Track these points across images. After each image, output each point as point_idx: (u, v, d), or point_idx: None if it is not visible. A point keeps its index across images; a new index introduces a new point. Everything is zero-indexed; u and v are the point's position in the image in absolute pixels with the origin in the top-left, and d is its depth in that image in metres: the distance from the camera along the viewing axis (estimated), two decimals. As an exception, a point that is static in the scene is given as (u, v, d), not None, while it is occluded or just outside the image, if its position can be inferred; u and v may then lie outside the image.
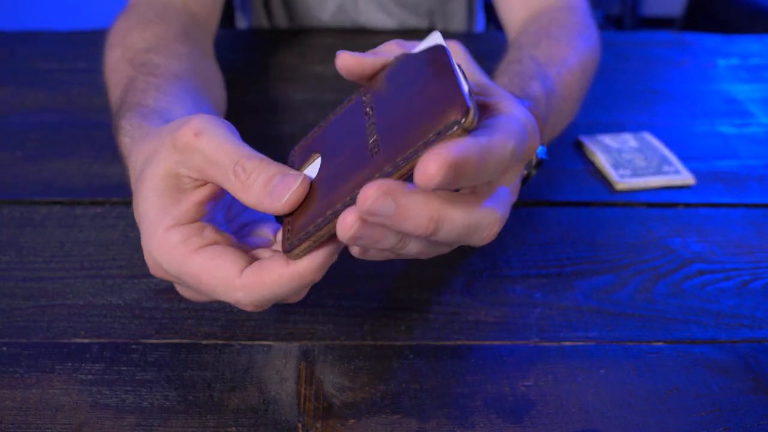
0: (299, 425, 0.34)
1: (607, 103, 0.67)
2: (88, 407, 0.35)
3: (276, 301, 0.32)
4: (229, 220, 0.36)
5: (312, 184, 0.31)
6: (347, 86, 0.70)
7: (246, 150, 0.31)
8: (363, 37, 0.82)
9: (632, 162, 0.56)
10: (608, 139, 0.59)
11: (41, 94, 0.67)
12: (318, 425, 0.34)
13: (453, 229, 0.28)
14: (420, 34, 0.84)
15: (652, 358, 0.39)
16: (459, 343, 0.39)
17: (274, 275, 0.30)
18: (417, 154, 0.27)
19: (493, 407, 0.35)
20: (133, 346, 0.39)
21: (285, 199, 0.30)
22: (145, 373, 0.37)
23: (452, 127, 0.26)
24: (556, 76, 0.48)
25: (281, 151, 0.58)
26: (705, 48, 0.81)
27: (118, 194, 0.52)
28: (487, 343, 0.40)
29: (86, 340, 0.39)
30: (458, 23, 0.88)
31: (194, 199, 0.32)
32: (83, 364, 0.37)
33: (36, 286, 0.43)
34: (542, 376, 0.37)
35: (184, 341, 0.39)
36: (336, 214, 0.29)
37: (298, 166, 0.34)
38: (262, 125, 0.62)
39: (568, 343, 0.40)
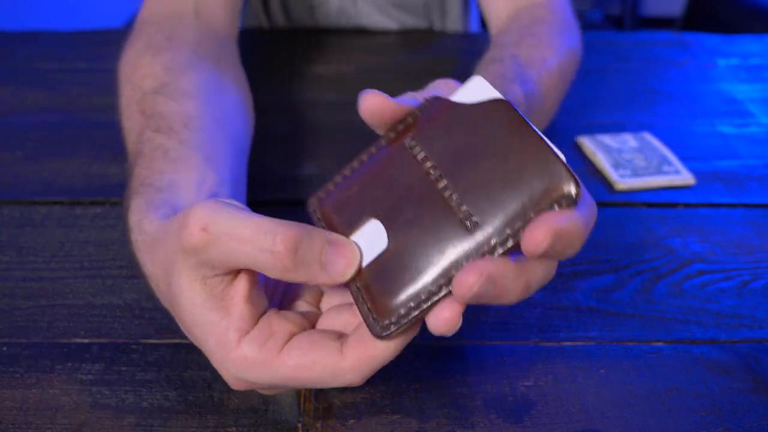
0: (299, 425, 0.34)
1: (607, 103, 0.67)
2: (88, 407, 0.35)
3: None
4: (269, 294, 0.33)
5: (385, 253, 0.29)
6: (347, 86, 0.70)
7: (271, 222, 0.27)
8: (363, 38, 0.82)
9: (632, 162, 0.56)
10: (608, 139, 0.59)
11: (41, 94, 0.67)
12: (318, 425, 0.34)
13: (539, 284, 0.28)
14: (419, 34, 0.84)
15: (652, 358, 0.39)
16: (459, 343, 0.39)
17: (380, 348, 0.28)
18: (524, 227, 0.26)
19: (493, 407, 0.35)
20: (133, 346, 0.39)
21: (346, 274, 0.29)
22: (145, 373, 0.37)
23: (563, 202, 0.26)
24: (536, 77, 0.48)
25: (281, 152, 0.58)
26: (705, 48, 0.81)
27: (118, 194, 0.52)
28: (487, 343, 0.40)
29: (86, 340, 0.39)
30: (454, 23, 0.88)
31: (239, 298, 0.29)
32: (83, 364, 0.37)
33: (36, 286, 0.43)
34: (542, 376, 0.37)
35: (184, 341, 0.39)
36: (436, 296, 0.27)
37: (341, 227, 0.31)
38: (262, 125, 0.62)
39: (568, 343, 0.40)
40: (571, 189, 0.26)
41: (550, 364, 0.38)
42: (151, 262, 0.33)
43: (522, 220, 0.27)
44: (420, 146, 0.31)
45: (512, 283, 0.26)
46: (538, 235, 0.25)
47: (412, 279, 0.28)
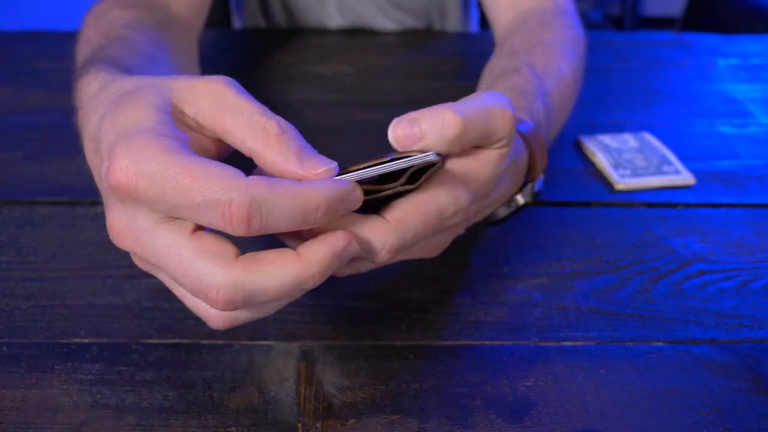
0: (299, 425, 0.34)
1: (607, 103, 0.67)
2: (88, 407, 0.35)
3: (254, 287, 0.27)
4: None
5: None
6: (347, 86, 0.70)
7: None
8: (363, 38, 0.82)
9: (632, 162, 0.56)
10: (608, 139, 0.59)
11: (41, 94, 0.67)
12: (318, 425, 0.34)
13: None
14: (419, 35, 0.84)
15: (652, 358, 0.39)
16: (459, 343, 0.39)
17: (285, 184, 0.26)
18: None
19: (493, 407, 0.35)
20: (133, 346, 0.39)
21: (319, 171, 0.27)
22: (145, 373, 0.37)
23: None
24: (553, 89, 0.49)
25: (281, 151, 0.58)
26: (705, 48, 0.81)
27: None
28: (487, 343, 0.40)
29: (86, 340, 0.39)
30: (454, 23, 0.88)
31: (198, 140, 0.28)
32: (83, 364, 0.37)
33: (36, 286, 0.43)
34: (542, 376, 0.37)
35: (184, 341, 0.39)
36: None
37: None
38: (262, 125, 0.62)
39: (568, 343, 0.40)
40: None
41: (550, 364, 0.38)
42: (119, 82, 0.31)
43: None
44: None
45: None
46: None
47: None
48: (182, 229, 0.27)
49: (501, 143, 0.34)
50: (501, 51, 0.56)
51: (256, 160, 0.28)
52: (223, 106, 0.28)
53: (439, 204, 0.31)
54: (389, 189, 0.30)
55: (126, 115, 0.27)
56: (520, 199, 0.44)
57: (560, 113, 0.51)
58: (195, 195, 0.25)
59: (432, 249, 0.37)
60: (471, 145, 0.32)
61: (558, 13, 0.59)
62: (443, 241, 0.37)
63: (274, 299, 0.27)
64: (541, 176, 0.44)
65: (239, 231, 0.25)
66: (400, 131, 0.30)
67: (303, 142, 0.28)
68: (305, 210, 0.26)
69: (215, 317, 0.30)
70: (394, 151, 0.36)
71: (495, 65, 0.53)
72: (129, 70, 0.36)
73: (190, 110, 0.28)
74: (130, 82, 0.30)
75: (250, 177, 0.26)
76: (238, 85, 0.29)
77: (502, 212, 0.44)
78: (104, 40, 0.43)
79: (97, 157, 0.29)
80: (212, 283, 0.26)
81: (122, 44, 0.41)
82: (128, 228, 0.27)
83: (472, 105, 0.31)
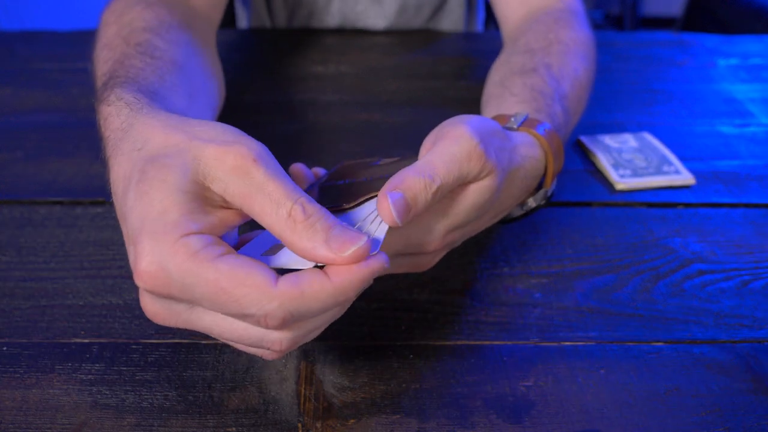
0: (299, 425, 0.34)
1: (607, 103, 0.67)
2: (88, 407, 0.35)
3: (305, 324, 0.29)
4: None
5: None
6: (347, 86, 0.70)
7: (304, 193, 0.28)
8: (363, 38, 0.82)
9: (632, 162, 0.56)
10: (608, 139, 0.59)
11: (41, 94, 0.67)
12: (318, 425, 0.34)
13: None
14: (419, 34, 0.84)
15: (652, 358, 0.39)
16: (459, 343, 0.39)
17: (316, 286, 0.27)
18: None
19: (493, 407, 0.35)
20: (133, 346, 0.39)
21: (348, 252, 0.27)
22: (145, 373, 0.37)
23: None
24: (569, 92, 0.49)
25: (280, 152, 0.58)
26: (705, 48, 0.81)
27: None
28: (487, 343, 0.39)
29: (86, 340, 0.39)
30: (456, 23, 0.88)
31: (223, 217, 0.29)
32: (83, 364, 0.37)
33: (36, 286, 0.43)
34: (542, 376, 0.37)
35: (184, 341, 0.39)
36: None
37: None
38: (262, 125, 0.62)
39: (568, 343, 0.40)
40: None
41: (550, 364, 0.38)
42: (143, 126, 0.31)
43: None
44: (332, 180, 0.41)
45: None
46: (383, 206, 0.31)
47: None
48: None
49: (478, 179, 0.35)
50: (514, 48, 0.55)
51: (286, 245, 0.28)
52: (251, 186, 0.28)
53: (410, 238, 0.36)
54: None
55: (150, 199, 0.27)
56: (532, 203, 0.44)
57: (574, 116, 0.51)
58: (230, 306, 0.26)
59: (421, 266, 0.39)
60: (448, 191, 0.34)
61: (570, 13, 0.59)
62: (430, 261, 0.39)
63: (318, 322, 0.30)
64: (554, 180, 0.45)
65: (274, 330, 0.28)
66: (396, 213, 0.31)
67: (330, 221, 0.28)
68: (336, 303, 0.28)
69: (275, 349, 0.30)
70: (385, 156, 0.41)
71: (511, 61, 0.52)
72: (153, 93, 0.36)
73: (217, 188, 0.28)
74: (154, 142, 0.29)
75: (282, 282, 0.27)
76: (267, 155, 0.29)
77: (515, 212, 0.45)
78: (125, 46, 0.42)
79: (124, 226, 0.29)
80: (272, 338, 0.29)
81: (143, 53, 0.41)
82: (167, 311, 0.29)
83: (440, 160, 0.33)
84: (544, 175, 0.43)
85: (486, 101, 0.50)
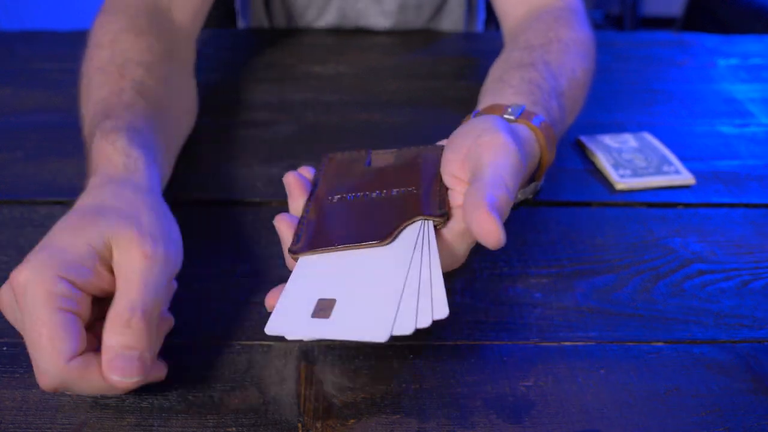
0: (299, 425, 0.34)
1: (607, 103, 0.67)
2: (88, 407, 0.35)
3: (71, 391, 0.33)
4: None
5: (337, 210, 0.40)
6: (347, 86, 0.70)
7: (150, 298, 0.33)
8: (363, 38, 0.82)
9: (632, 162, 0.56)
10: (608, 139, 0.59)
11: (41, 94, 0.67)
12: (318, 425, 0.34)
13: None
14: (419, 34, 0.84)
15: (652, 358, 0.39)
16: (459, 343, 0.39)
17: (93, 378, 0.31)
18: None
19: (493, 407, 0.35)
20: (133, 346, 0.39)
21: (112, 376, 0.31)
22: (145, 373, 0.37)
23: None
24: (566, 89, 0.49)
25: (279, 151, 0.58)
26: (705, 48, 0.81)
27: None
28: (487, 343, 0.39)
29: (86, 340, 0.39)
30: (456, 23, 0.88)
31: (100, 278, 0.33)
32: (83, 364, 0.37)
33: (36, 286, 0.43)
34: (542, 376, 0.37)
35: (184, 341, 0.39)
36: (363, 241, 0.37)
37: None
38: (262, 125, 0.62)
39: (568, 343, 0.40)
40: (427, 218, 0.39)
41: (550, 364, 0.38)
42: (119, 186, 0.38)
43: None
44: (330, 197, 0.42)
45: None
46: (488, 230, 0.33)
47: (347, 228, 0.39)
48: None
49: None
50: (514, 45, 0.55)
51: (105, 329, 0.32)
52: (135, 274, 0.33)
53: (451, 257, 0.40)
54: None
55: (69, 233, 0.34)
56: (521, 196, 0.44)
57: (570, 114, 0.51)
58: (31, 345, 0.31)
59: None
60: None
61: (571, 11, 0.59)
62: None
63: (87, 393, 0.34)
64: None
65: (41, 387, 0.32)
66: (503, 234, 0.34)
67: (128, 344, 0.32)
68: (100, 392, 0.32)
69: (43, 380, 0.33)
70: (375, 149, 0.45)
71: (510, 57, 0.52)
72: (141, 135, 0.43)
73: (116, 255, 0.33)
74: (113, 201, 0.36)
75: (73, 362, 0.31)
76: (161, 265, 0.34)
77: None
78: (119, 78, 0.48)
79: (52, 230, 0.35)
80: (43, 370, 0.32)
81: (137, 91, 0.47)
82: (9, 307, 0.33)
83: (507, 173, 0.37)
84: (536, 168, 0.43)
85: (483, 93, 0.50)
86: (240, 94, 0.68)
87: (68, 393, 0.35)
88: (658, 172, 0.55)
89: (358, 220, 0.39)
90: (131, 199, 0.37)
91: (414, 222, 0.38)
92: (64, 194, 0.52)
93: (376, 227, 0.38)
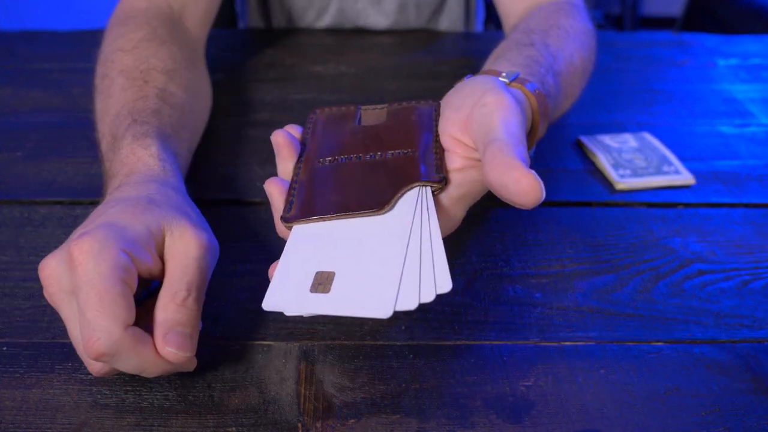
0: (299, 425, 0.34)
1: (607, 103, 0.67)
2: (88, 407, 0.35)
3: (120, 365, 0.33)
4: None
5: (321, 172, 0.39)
6: (347, 86, 0.70)
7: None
8: (363, 38, 0.82)
9: (632, 162, 0.56)
10: (608, 139, 0.59)
11: (41, 94, 0.67)
12: (318, 425, 0.34)
13: None
14: (419, 35, 0.84)
15: (652, 358, 0.39)
16: (459, 343, 0.39)
17: (147, 352, 0.33)
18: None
19: (493, 407, 0.35)
20: (133, 346, 0.39)
21: (166, 348, 0.33)
22: (145, 373, 0.37)
23: None
24: (564, 71, 0.48)
25: (281, 151, 0.58)
26: (705, 48, 0.81)
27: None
28: (487, 343, 0.39)
29: (86, 340, 0.39)
30: (455, 22, 0.88)
31: (153, 263, 0.35)
32: (83, 364, 0.37)
33: (36, 286, 0.43)
34: (542, 376, 0.37)
35: (184, 341, 0.39)
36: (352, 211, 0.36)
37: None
38: (262, 125, 0.62)
39: (568, 343, 0.40)
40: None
41: (550, 364, 0.38)
42: (164, 182, 0.41)
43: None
44: (321, 158, 0.40)
45: None
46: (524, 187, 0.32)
47: (338, 195, 0.37)
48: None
49: None
50: (514, 31, 0.55)
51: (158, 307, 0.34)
52: (185, 260, 0.35)
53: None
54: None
55: (128, 215, 0.35)
56: None
57: (566, 98, 0.51)
58: (88, 311, 0.31)
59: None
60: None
61: (572, 5, 0.59)
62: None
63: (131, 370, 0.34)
64: (534, 146, 0.45)
65: (89, 355, 0.32)
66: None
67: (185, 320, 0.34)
68: (143, 367, 0.33)
69: (91, 367, 0.35)
70: (365, 104, 0.45)
71: (508, 39, 0.52)
72: (167, 139, 0.46)
73: (168, 242, 0.36)
74: (160, 197, 0.38)
75: (129, 330, 0.32)
76: (211, 253, 0.37)
77: None
78: (144, 84, 0.49)
79: (93, 215, 0.37)
80: (99, 336, 0.32)
81: (162, 99, 0.49)
82: (57, 276, 0.34)
83: (519, 131, 0.36)
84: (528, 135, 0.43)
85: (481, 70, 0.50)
86: (240, 94, 0.68)
87: (109, 373, 0.35)
88: (658, 172, 0.55)
89: (352, 185, 0.37)
90: (174, 196, 0.39)
91: (412, 188, 0.36)
92: (64, 194, 0.52)
93: (371, 194, 0.36)
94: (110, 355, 0.32)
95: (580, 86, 0.54)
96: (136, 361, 0.33)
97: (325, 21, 0.85)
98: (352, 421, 0.35)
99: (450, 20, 0.88)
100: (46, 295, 0.34)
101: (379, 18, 0.84)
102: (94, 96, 0.51)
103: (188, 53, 0.57)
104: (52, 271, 0.33)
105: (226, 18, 0.94)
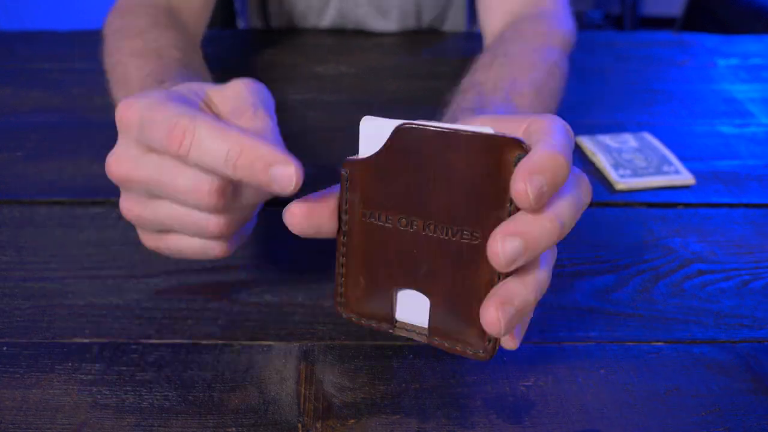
0: (299, 425, 0.34)
1: (607, 103, 0.67)
2: (88, 407, 0.35)
3: (239, 201, 0.32)
4: None
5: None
6: (347, 86, 0.70)
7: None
8: (363, 38, 0.82)
9: (632, 162, 0.56)
10: (608, 139, 0.59)
11: (41, 94, 0.67)
12: (318, 425, 0.34)
13: (569, 217, 0.29)
14: (419, 35, 0.84)
15: (652, 358, 0.39)
16: (459, 343, 0.39)
17: (232, 127, 0.29)
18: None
19: (493, 407, 0.35)
20: (133, 346, 0.39)
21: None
22: (145, 373, 0.37)
23: (517, 160, 0.27)
24: (501, 101, 0.45)
25: (281, 151, 0.58)
26: (705, 48, 0.81)
27: (118, 194, 0.51)
28: (487, 343, 0.39)
29: (86, 340, 0.39)
30: (458, 24, 0.88)
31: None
32: (83, 364, 0.37)
33: (36, 286, 0.43)
34: (542, 376, 0.37)
35: (184, 341, 0.39)
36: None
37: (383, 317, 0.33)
38: (262, 125, 0.62)
39: (568, 343, 0.40)
40: (513, 150, 0.27)
41: (550, 364, 0.38)
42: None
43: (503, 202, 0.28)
44: (376, 212, 0.31)
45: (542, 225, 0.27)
46: (520, 189, 0.26)
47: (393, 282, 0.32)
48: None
49: None
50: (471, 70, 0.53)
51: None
52: (236, 99, 0.35)
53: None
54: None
55: (165, 89, 0.33)
56: None
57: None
58: (206, 131, 0.29)
59: None
60: None
61: (540, 18, 0.58)
62: None
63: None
64: None
65: (174, 146, 0.29)
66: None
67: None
68: (228, 151, 0.28)
69: (214, 225, 0.32)
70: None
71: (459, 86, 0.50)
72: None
73: (215, 103, 0.35)
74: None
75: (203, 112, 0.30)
76: (257, 88, 0.36)
77: None
78: (158, 58, 0.47)
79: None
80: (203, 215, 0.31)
81: (183, 65, 0.47)
82: (132, 158, 0.31)
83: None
84: None
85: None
86: (240, 94, 0.68)
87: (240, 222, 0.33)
88: (658, 172, 0.55)
89: (423, 278, 0.31)
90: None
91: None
92: (64, 194, 0.52)
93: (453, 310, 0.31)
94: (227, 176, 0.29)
95: (541, 98, 0.49)
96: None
97: (325, 24, 0.84)
98: (352, 421, 0.35)
99: (453, 25, 0.88)
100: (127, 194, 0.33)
101: (380, 24, 0.83)
102: (110, 89, 0.49)
103: (191, 40, 0.57)
104: (123, 158, 0.31)
105: (225, 18, 0.94)
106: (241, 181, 0.29)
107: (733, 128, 0.63)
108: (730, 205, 0.52)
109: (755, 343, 0.40)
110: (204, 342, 0.39)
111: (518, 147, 0.27)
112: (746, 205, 0.52)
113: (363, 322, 0.33)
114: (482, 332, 0.30)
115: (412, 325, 0.33)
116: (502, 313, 0.27)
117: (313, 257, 0.46)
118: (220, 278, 0.44)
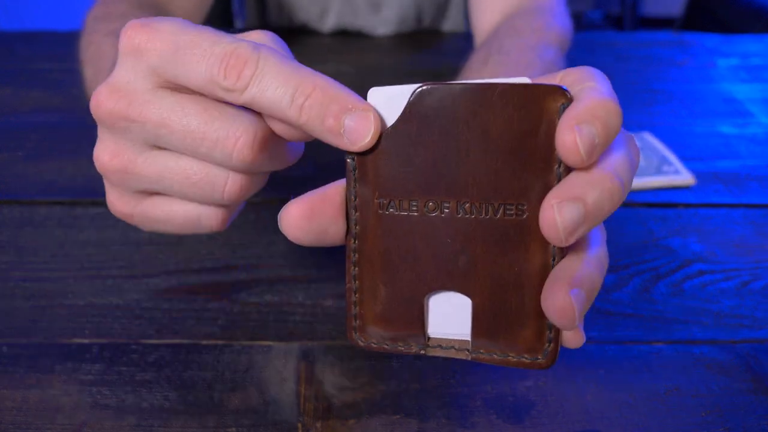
0: (299, 425, 0.34)
1: (607, 103, 0.67)
2: (88, 407, 0.35)
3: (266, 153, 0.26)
4: None
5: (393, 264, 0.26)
6: (347, 86, 0.69)
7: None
8: (363, 38, 0.82)
9: (632, 162, 0.56)
10: (608, 139, 0.59)
11: (41, 94, 0.67)
12: (318, 425, 0.34)
13: (625, 172, 0.24)
14: (419, 35, 0.84)
15: (652, 358, 0.39)
16: (459, 343, 0.39)
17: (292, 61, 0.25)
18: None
19: (493, 407, 0.35)
20: (133, 347, 0.39)
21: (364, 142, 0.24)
22: (145, 374, 0.37)
23: (562, 110, 0.23)
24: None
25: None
26: (705, 48, 0.81)
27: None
28: (487, 343, 0.39)
29: (86, 340, 0.39)
30: (458, 24, 0.88)
31: None
32: (83, 365, 0.37)
33: (36, 286, 0.43)
34: (542, 376, 0.37)
35: (184, 341, 0.39)
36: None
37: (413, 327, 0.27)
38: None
39: (568, 343, 0.40)
40: (556, 98, 0.23)
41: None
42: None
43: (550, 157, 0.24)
44: (396, 200, 0.26)
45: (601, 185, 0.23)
46: (568, 141, 0.22)
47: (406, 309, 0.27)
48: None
49: None
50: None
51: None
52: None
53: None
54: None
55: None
56: None
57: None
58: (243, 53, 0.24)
59: None
60: None
61: (533, 13, 0.58)
62: None
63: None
64: None
65: (231, 79, 0.24)
66: None
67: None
68: (296, 88, 0.24)
69: (232, 186, 0.27)
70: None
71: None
72: None
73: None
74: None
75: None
76: (281, 41, 0.28)
77: None
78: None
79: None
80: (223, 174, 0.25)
81: None
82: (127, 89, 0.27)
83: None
84: None
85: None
86: (240, 94, 0.68)
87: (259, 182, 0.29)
88: (658, 172, 0.55)
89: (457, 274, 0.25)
90: None
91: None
92: (64, 194, 0.52)
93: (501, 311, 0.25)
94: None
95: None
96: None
97: (325, 27, 0.84)
98: (352, 421, 0.35)
99: (453, 25, 0.88)
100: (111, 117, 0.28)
101: (379, 29, 0.83)
102: (82, 69, 0.46)
103: None
104: (137, 93, 0.26)
105: (223, 18, 0.94)
106: (302, 128, 0.24)
107: (733, 128, 0.63)
108: (730, 206, 0.52)
109: (755, 343, 0.40)
110: (204, 342, 0.39)
111: (563, 96, 0.23)
112: (746, 206, 0.52)
113: (386, 346, 0.27)
114: (539, 332, 0.25)
115: (450, 340, 0.27)
116: (575, 297, 0.22)
117: (313, 257, 0.46)
118: (220, 278, 0.44)
